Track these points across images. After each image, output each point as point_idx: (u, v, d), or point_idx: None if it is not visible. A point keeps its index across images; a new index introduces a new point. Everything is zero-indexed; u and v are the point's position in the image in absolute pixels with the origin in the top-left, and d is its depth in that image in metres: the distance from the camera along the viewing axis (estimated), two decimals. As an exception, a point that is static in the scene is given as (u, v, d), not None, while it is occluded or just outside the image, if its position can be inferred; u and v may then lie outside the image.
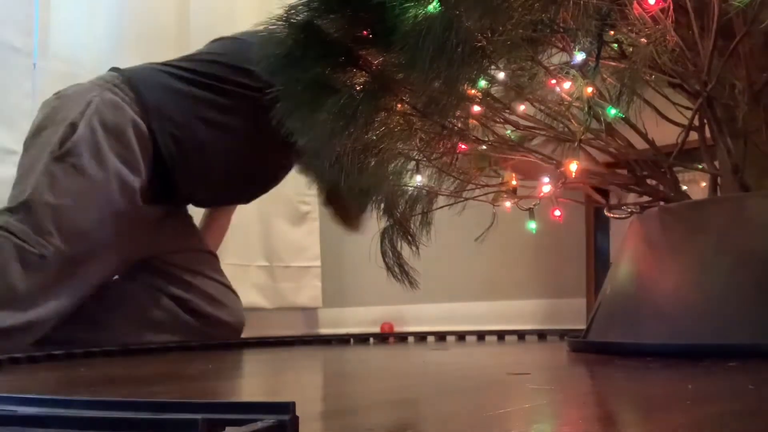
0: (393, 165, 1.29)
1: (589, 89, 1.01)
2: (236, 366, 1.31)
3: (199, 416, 0.42)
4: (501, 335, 1.69)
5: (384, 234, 1.38)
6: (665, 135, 1.20)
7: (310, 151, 1.27)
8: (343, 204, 1.89)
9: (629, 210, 1.19)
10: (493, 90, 1.21)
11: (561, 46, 1.09)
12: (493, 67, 1.12)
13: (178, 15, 2.06)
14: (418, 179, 1.31)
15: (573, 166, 1.10)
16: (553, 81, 1.12)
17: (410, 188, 1.34)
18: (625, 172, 1.29)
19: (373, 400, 0.71)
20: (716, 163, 1.15)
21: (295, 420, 0.42)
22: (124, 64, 1.91)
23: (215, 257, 1.81)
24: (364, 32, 1.15)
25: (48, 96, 1.75)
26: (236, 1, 2.21)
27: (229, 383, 1.00)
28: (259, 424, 0.41)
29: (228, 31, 1.99)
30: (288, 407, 0.42)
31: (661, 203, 1.16)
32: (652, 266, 1.09)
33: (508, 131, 1.28)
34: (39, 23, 1.76)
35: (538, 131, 1.24)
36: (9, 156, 1.64)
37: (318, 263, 2.38)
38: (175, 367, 1.24)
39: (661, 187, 1.19)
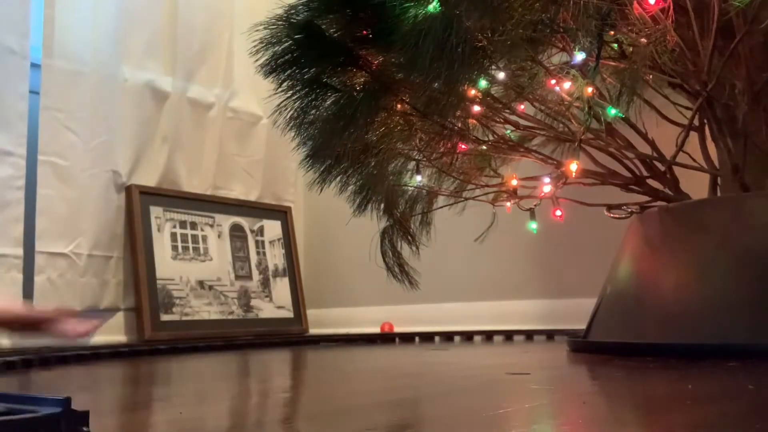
0: (393, 165, 1.29)
1: (589, 89, 1.01)
2: (237, 366, 1.31)
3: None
4: (501, 335, 1.69)
5: (384, 234, 1.38)
6: (665, 135, 1.19)
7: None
8: None
9: (629, 210, 1.19)
10: (493, 90, 1.21)
11: (561, 46, 1.09)
12: (493, 67, 1.12)
13: (170, 17, 2.05)
14: (418, 179, 1.31)
15: (573, 166, 1.10)
16: (553, 81, 1.12)
17: (410, 188, 1.34)
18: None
19: (374, 400, 0.71)
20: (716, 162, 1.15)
21: (70, 413, 0.43)
22: (126, 62, 1.93)
23: None
24: (364, 32, 1.15)
25: (53, 94, 1.75)
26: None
27: (229, 383, 1.00)
28: (35, 415, 0.43)
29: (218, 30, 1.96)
30: (64, 402, 0.44)
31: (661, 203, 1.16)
32: (652, 266, 1.09)
33: (508, 131, 1.28)
34: (44, 22, 1.76)
35: (538, 131, 1.24)
36: (6, 157, 1.64)
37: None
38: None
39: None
